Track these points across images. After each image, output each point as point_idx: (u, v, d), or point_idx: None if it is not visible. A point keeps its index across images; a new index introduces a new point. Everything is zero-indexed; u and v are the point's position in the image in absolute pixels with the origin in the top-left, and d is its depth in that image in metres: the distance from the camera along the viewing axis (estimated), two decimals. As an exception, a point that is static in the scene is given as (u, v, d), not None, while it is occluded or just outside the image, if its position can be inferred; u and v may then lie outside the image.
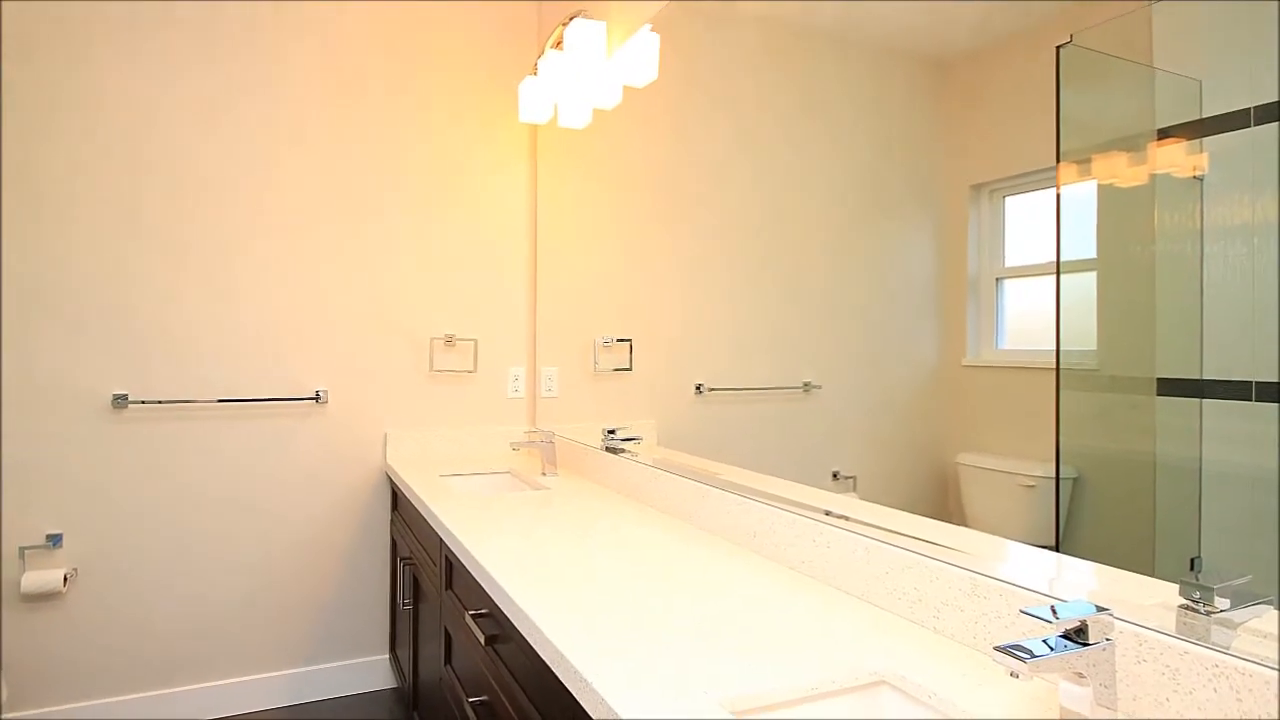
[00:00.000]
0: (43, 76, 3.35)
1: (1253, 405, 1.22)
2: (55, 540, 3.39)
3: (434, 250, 4.15)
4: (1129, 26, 1.40)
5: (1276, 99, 1.20)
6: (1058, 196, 1.53)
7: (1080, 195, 1.49)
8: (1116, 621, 1.33)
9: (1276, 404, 1.20)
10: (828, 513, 2.10)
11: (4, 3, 3.27)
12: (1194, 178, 1.31)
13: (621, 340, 3.30)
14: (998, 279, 1.69)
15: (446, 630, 2.73)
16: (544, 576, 2.06)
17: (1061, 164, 1.52)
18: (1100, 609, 1.25)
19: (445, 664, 2.76)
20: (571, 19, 3.25)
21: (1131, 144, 1.40)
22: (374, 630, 4.06)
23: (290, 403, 3.82)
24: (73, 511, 3.43)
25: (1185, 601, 1.26)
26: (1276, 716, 1.12)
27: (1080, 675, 1.23)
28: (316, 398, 3.85)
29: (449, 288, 4.19)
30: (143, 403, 3.51)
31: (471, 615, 2.29)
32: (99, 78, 3.45)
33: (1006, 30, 1.65)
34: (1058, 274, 1.54)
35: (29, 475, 3.36)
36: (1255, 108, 1.23)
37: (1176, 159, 1.33)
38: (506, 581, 2.02)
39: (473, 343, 4.26)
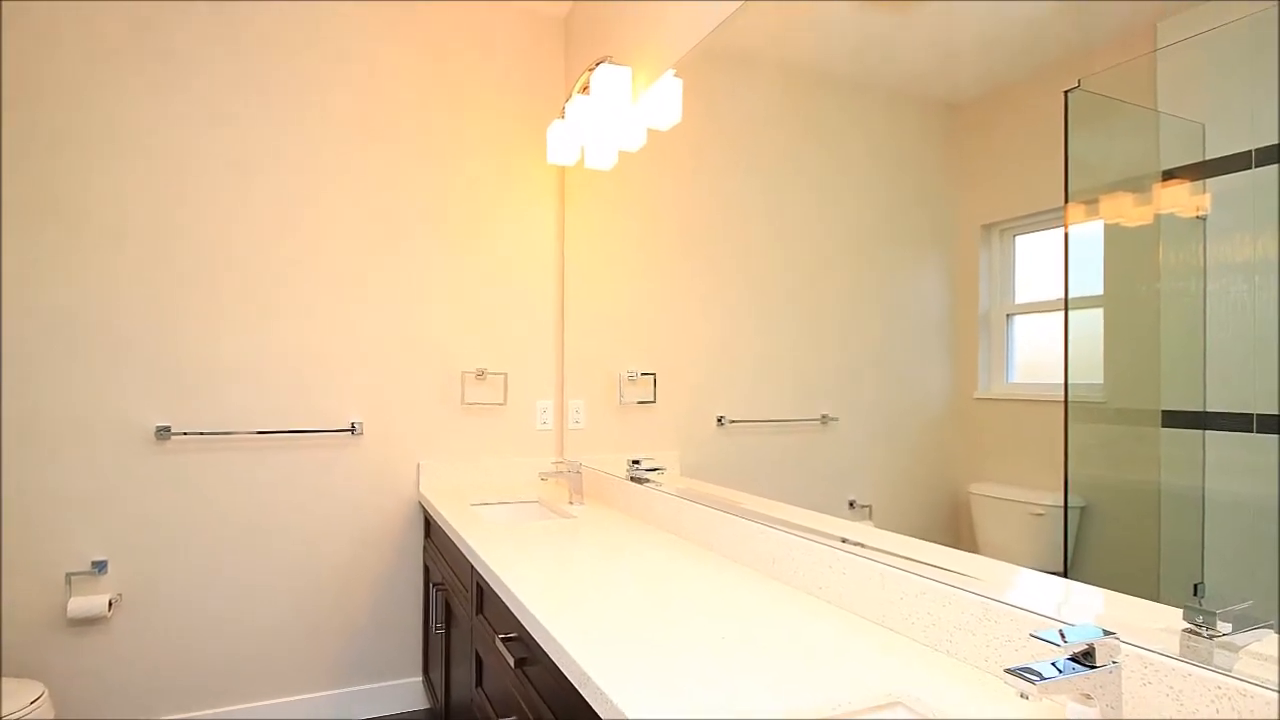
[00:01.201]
0: (90, 118, 3.42)
1: (1254, 437, 1.23)
2: (100, 566, 3.42)
3: (466, 287, 4.19)
4: (1134, 72, 1.41)
5: (1276, 142, 1.21)
6: (1066, 235, 1.54)
7: (1088, 234, 1.50)
8: (1123, 645, 1.33)
9: (1277, 435, 1.21)
10: (844, 540, 2.10)
11: (59, 50, 3.34)
12: (1197, 217, 1.32)
13: (646, 374, 3.32)
14: (1008, 315, 1.70)
15: (477, 653, 2.75)
16: (571, 601, 2.08)
17: (1069, 204, 1.53)
18: (1107, 633, 1.26)
19: (476, 686, 2.77)
20: (598, 65, 3.29)
21: (1137, 185, 1.41)
22: (408, 653, 4.08)
23: (327, 434, 3.86)
24: (118, 538, 3.47)
25: (1189, 626, 1.27)
26: (1277, 737, 1.13)
27: (1088, 697, 1.24)
28: (352, 429, 3.89)
29: (480, 323, 4.23)
30: (185, 434, 3.55)
31: (501, 639, 2.30)
32: (143, 120, 3.52)
33: (1015, 76, 1.66)
34: (1066, 310, 1.55)
35: (76, 503, 3.40)
36: (1256, 150, 1.24)
37: (1180, 199, 1.34)
38: (535, 606, 2.03)
39: (503, 376, 4.29)
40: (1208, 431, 1.30)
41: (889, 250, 2.02)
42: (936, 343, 1.86)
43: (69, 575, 3.38)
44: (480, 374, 4.22)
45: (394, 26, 4.05)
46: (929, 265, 1.89)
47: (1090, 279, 1.50)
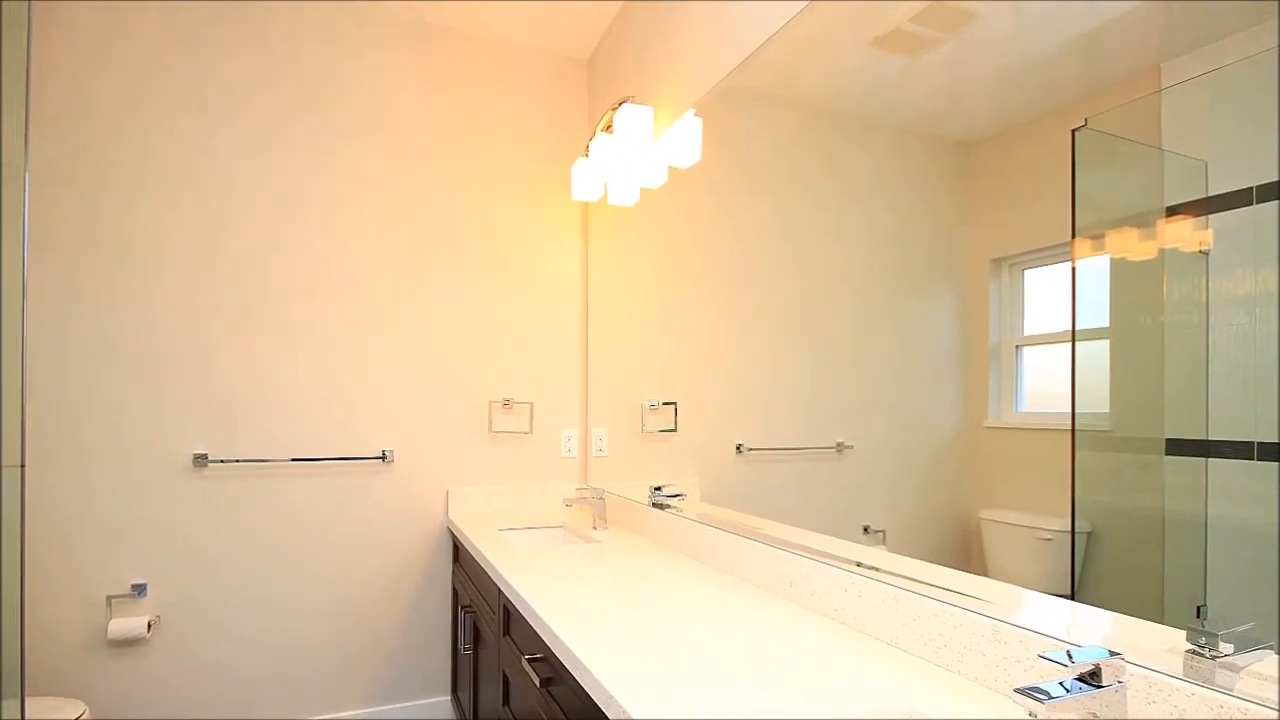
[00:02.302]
0: (131, 151, 3.49)
1: (1255, 464, 1.24)
2: (140, 590, 3.45)
3: (493, 319, 4.23)
4: (1139, 111, 1.43)
5: (1276, 179, 1.23)
6: (1073, 269, 1.56)
7: (1094, 268, 1.51)
8: (1128, 665, 1.34)
9: (1277, 463, 1.21)
10: (859, 564, 2.11)
11: (100, 82, 3.40)
12: (1200, 252, 1.34)
13: (667, 403, 3.34)
14: (1017, 346, 1.71)
15: (504, 673, 2.76)
16: (595, 623, 2.09)
17: (1076, 239, 1.55)
18: (1113, 653, 1.26)
19: (503, 705, 2.78)
20: (620, 104, 3.33)
21: (1142, 220, 1.43)
22: (437, 673, 4.08)
23: (359, 462, 3.89)
24: (156, 563, 3.50)
25: (1192, 647, 1.27)
26: (1278, 755, 1.13)
27: (1094, 715, 1.25)
28: (383, 457, 3.92)
29: (507, 354, 4.26)
30: (221, 461, 3.59)
31: (527, 659, 2.31)
32: (184, 155, 3.59)
33: (1025, 115, 1.68)
34: (1073, 342, 1.56)
35: (116, 529, 3.43)
36: (1256, 187, 1.26)
37: (1184, 235, 1.36)
38: (560, 628, 2.05)
39: (529, 405, 4.32)
40: (1210, 459, 1.31)
41: (902, 283, 2.04)
42: (948, 373, 1.88)
43: (109, 598, 3.41)
44: (507, 404, 4.25)
45: (425, 71, 4.11)
46: (941, 297, 1.91)
47: (1097, 311, 1.51)
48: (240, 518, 3.66)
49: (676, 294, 3.30)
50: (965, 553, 1.81)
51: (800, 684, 1.67)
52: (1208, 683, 1.24)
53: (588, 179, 3.82)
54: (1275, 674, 1.17)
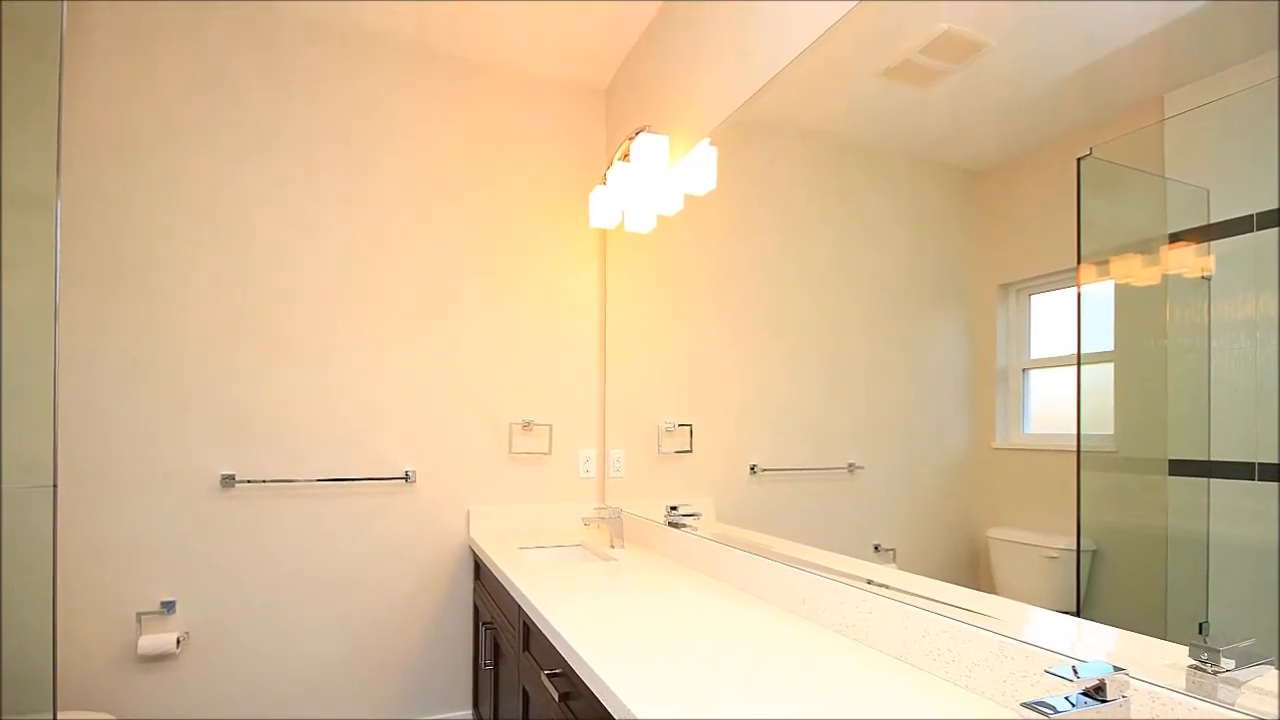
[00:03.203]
0: (156, 179, 3.54)
1: (1256, 484, 1.24)
2: (169, 606, 3.47)
3: (512, 343, 4.26)
4: (1144, 140, 1.44)
5: (1276, 206, 1.24)
6: (1078, 295, 1.57)
7: (1099, 294, 1.52)
8: (1132, 680, 1.35)
9: (1277, 483, 1.22)
10: (870, 581, 2.12)
11: (127, 112, 3.44)
12: (1202, 278, 1.35)
13: (683, 425, 3.35)
14: (1024, 369, 1.72)
15: (524, 688, 2.77)
16: (611, 639, 2.11)
17: (1082, 265, 1.56)
18: (1118, 669, 1.27)
19: (524, 718, 2.78)
20: (637, 133, 3.36)
21: (1145, 247, 1.44)
22: (458, 688, 4.09)
23: (382, 482, 3.91)
24: (185, 580, 3.52)
25: (1194, 662, 1.28)
26: (1278, 767, 1.14)
27: (1099, 729, 1.25)
28: (406, 477, 3.94)
29: (527, 377, 4.29)
30: (248, 482, 3.62)
31: (546, 675, 2.33)
32: (207, 181, 3.64)
33: (1031, 144, 1.70)
34: (1078, 365, 1.57)
35: (146, 547, 3.46)
36: (1257, 214, 1.27)
37: (1186, 261, 1.37)
38: (578, 644, 2.06)
39: (548, 427, 4.34)
40: (1212, 479, 1.31)
41: (912, 307, 2.05)
42: (957, 395, 1.89)
43: (139, 614, 3.43)
44: (527, 425, 4.27)
45: (448, 102, 4.16)
46: (949, 322, 1.92)
47: (1101, 336, 1.52)
48: (267, 536, 3.68)
49: (692, 318, 3.32)
50: (974, 570, 1.81)
51: (812, 695, 1.68)
52: (1209, 697, 1.24)
53: (606, 206, 3.85)
54: (1275, 689, 1.17)
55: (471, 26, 3.96)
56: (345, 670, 3.82)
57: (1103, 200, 1.52)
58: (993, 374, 1.79)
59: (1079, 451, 1.56)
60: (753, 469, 2.79)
